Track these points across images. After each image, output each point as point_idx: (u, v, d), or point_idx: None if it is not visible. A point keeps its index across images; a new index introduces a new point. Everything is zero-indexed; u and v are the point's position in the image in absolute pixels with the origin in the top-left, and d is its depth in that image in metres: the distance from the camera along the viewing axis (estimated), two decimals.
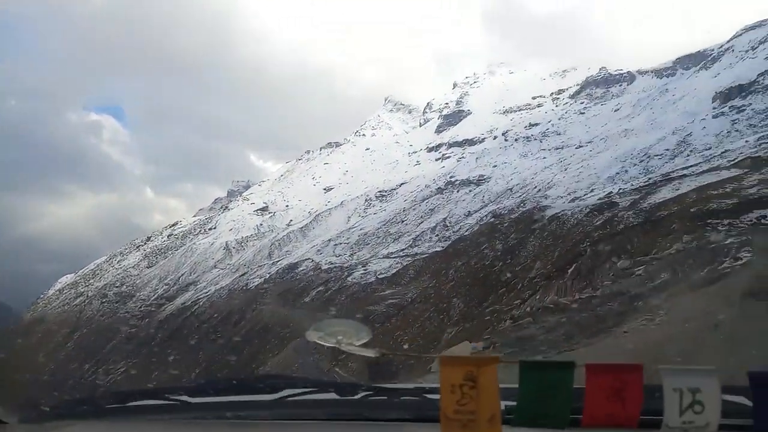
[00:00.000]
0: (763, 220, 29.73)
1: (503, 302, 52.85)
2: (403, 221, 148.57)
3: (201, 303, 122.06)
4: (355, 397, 1.89)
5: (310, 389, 1.95)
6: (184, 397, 1.90)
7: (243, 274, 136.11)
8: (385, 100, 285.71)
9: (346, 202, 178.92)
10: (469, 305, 59.30)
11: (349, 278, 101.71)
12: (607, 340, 9.00)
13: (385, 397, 1.91)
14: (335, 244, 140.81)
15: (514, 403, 1.23)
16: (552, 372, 1.20)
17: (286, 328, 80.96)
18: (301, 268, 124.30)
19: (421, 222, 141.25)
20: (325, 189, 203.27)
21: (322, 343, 1.55)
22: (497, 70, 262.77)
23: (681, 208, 37.05)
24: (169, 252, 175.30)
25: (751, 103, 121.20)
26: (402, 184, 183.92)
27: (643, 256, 29.00)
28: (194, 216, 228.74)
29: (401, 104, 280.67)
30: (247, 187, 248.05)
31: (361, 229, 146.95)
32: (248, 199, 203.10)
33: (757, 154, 72.48)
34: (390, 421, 1.69)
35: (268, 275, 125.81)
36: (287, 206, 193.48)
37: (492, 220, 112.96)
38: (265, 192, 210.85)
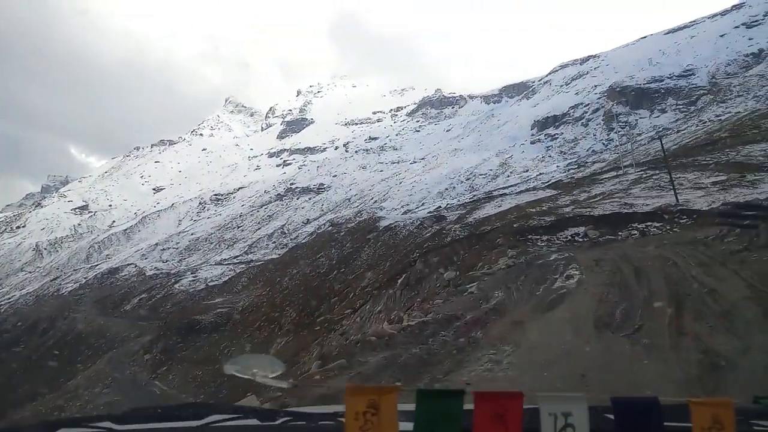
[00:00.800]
0: (576, 238, 31.14)
1: (335, 312, 52.08)
2: (239, 227, 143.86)
3: (2, 309, 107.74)
4: (275, 422, 1.95)
5: (233, 416, 2.00)
6: (109, 425, 1.89)
7: (55, 279, 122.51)
8: (226, 100, 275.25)
9: (178, 205, 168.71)
10: (301, 315, 57.34)
11: (176, 285, 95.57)
12: None
13: (304, 422, 1.97)
14: (162, 249, 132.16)
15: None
16: (445, 399, 1.31)
17: (101, 338, 73.85)
18: (123, 274, 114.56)
19: (259, 228, 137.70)
20: (154, 189, 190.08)
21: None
22: (340, 82, 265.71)
23: (504, 223, 38.09)
24: None
25: (562, 133, 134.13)
26: (240, 188, 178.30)
27: (470, 269, 28.87)
28: (0, 212, 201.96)
29: (243, 106, 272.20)
30: (65, 183, 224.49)
31: (192, 234, 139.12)
32: (65, 196, 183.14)
33: (567, 178, 79.24)
34: None
35: (84, 280, 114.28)
36: (110, 206, 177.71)
37: (330, 228, 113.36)
38: (86, 189, 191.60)
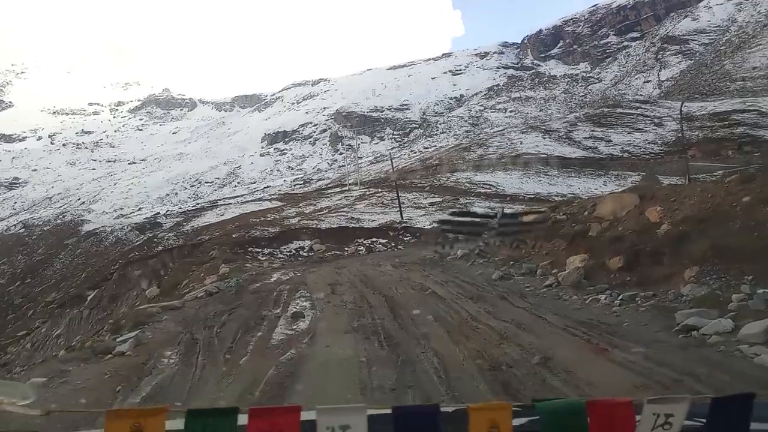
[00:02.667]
0: (302, 251, 27.61)
1: (6, 333, 42.80)
2: None
3: None
4: None
5: None
6: None
7: None
8: None
9: None
10: None
11: None
12: None
13: None
14: None
15: None
16: (217, 418, 1.24)
17: None
18: None
19: None
20: None
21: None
22: (52, 65, 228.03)
23: (223, 233, 32.79)
24: None
25: (291, 149, 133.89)
26: None
27: (176, 286, 23.23)
28: None
29: None
30: None
31: None
32: None
33: (293, 191, 77.26)
34: None
35: None
36: None
37: (21, 230, 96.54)
38: None
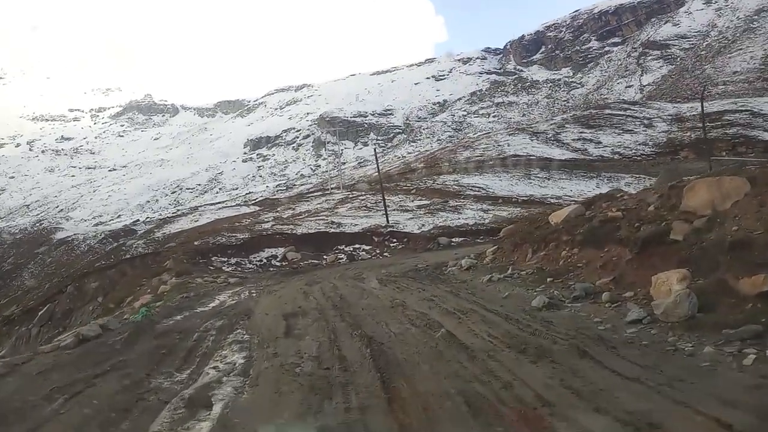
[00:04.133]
0: (274, 261, 23.91)
1: None
2: None
3: None
4: None
5: None
6: None
7: None
8: None
9: None
10: None
11: None
12: None
13: None
14: None
15: None
16: None
17: None
18: None
19: None
20: None
21: None
22: (31, 71, 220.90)
23: (187, 239, 28.67)
24: None
25: (274, 154, 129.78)
26: None
27: (121, 302, 19.50)
28: None
29: None
30: None
31: None
32: None
33: (275, 197, 73.25)
34: None
35: None
36: None
37: None
38: None
